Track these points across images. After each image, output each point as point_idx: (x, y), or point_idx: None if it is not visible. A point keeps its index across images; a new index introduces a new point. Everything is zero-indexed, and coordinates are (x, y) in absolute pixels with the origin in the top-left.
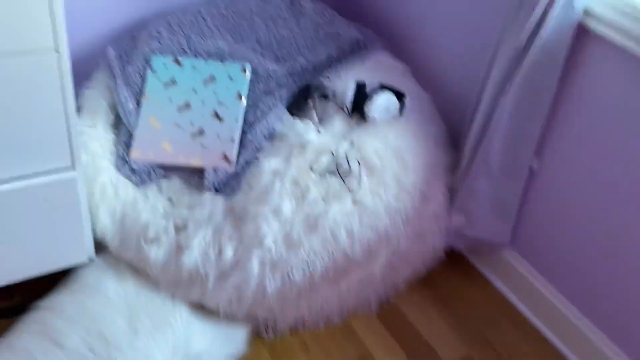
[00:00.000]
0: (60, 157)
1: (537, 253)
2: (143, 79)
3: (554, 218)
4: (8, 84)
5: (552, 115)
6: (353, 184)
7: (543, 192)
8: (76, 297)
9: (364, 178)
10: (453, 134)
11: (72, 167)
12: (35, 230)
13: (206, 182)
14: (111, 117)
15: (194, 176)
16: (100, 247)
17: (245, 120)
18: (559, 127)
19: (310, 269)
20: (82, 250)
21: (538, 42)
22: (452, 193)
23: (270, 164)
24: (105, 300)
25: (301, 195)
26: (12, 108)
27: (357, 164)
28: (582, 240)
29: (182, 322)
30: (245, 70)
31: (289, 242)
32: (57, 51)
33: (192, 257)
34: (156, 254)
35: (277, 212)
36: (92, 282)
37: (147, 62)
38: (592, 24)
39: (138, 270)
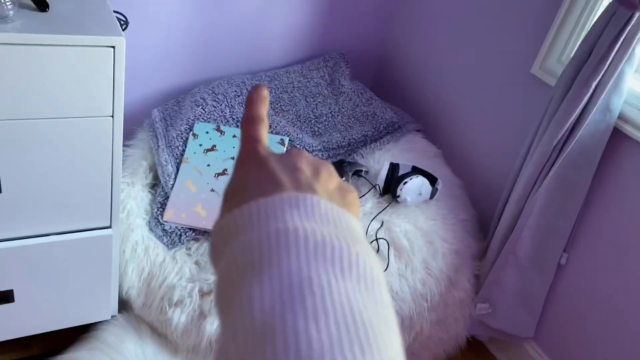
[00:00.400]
0: (100, 216)
1: (557, 347)
2: (184, 143)
3: (577, 314)
4: (62, 144)
5: (584, 213)
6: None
7: (568, 288)
8: (94, 355)
9: (392, 259)
10: (482, 220)
11: (110, 225)
12: (65, 284)
13: None
14: (149, 177)
15: None
16: (123, 305)
17: None
18: (590, 224)
19: None
20: (107, 308)
21: (574, 141)
22: (477, 281)
23: None
24: None
25: None
26: (64, 168)
27: (387, 244)
28: (605, 338)
29: None
30: (283, 143)
31: None
32: (112, 116)
33: (214, 324)
34: (178, 317)
35: None
36: (112, 341)
37: (190, 127)
38: (627, 128)
39: (159, 332)
